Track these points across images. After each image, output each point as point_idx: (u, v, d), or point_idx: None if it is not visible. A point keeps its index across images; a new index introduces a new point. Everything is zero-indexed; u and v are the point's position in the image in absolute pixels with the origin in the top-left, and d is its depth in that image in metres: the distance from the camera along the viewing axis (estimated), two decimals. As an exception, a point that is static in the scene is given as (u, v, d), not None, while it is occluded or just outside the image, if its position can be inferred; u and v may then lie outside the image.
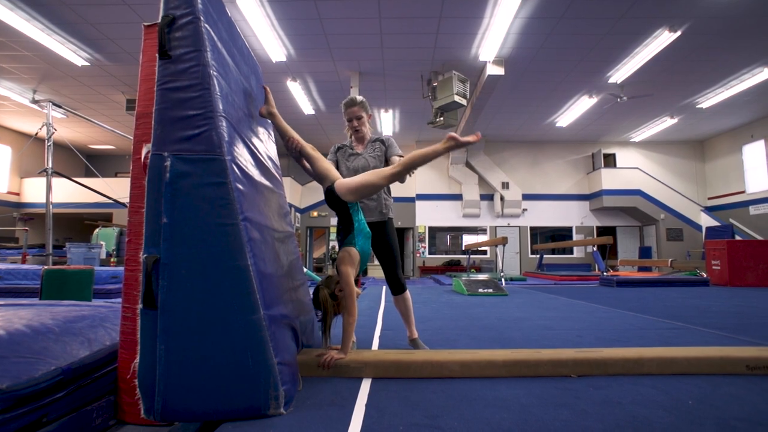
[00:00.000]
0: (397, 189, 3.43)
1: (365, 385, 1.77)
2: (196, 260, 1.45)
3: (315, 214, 15.25)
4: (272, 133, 2.51)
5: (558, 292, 7.06)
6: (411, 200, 14.87)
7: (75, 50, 8.23)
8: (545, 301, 5.59)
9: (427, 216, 14.98)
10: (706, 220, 13.65)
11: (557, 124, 13.04)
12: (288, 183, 12.74)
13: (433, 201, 14.98)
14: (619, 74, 9.36)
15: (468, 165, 14.72)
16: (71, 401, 1.45)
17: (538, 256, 13.68)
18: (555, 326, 3.47)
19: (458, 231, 15.37)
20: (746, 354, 2.01)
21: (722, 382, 1.80)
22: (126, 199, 1.86)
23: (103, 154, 16.09)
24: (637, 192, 13.99)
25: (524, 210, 14.81)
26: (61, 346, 1.49)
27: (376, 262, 4.24)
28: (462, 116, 11.39)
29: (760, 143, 12.58)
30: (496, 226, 14.88)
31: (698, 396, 1.64)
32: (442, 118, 9.32)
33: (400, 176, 2.05)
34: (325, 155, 2.51)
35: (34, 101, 10.59)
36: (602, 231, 14.91)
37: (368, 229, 2.17)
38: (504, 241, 8.88)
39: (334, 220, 14.47)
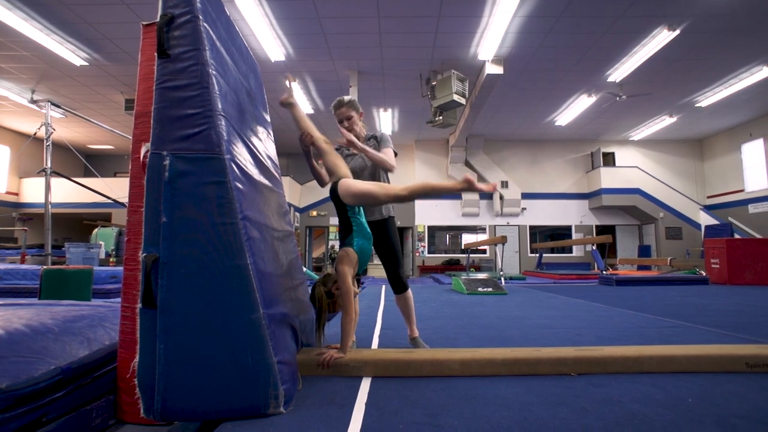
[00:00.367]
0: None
1: (365, 384, 1.77)
2: (196, 259, 1.45)
3: (314, 213, 15.24)
4: (271, 132, 2.50)
5: (557, 290, 7.06)
6: (410, 199, 14.86)
7: (73, 50, 8.22)
8: (545, 299, 5.60)
9: (427, 215, 14.98)
10: (705, 219, 13.67)
11: (556, 123, 13.04)
12: (287, 182, 12.72)
13: (432, 200, 14.99)
14: (618, 73, 9.37)
15: (467, 164, 14.71)
16: (71, 401, 1.44)
17: (537, 255, 13.70)
18: (554, 325, 3.48)
19: (457, 230, 15.39)
20: (746, 352, 2.01)
21: (722, 380, 1.80)
22: (125, 199, 1.86)
23: (102, 154, 16.07)
24: (636, 191, 13.99)
25: (523, 209, 14.81)
26: (60, 346, 1.49)
27: (377, 261, 4.24)
28: (461, 115, 11.40)
29: (759, 142, 12.58)
30: (495, 225, 14.88)
31: (698, 394, 1.64)
32: (441, 117, 9.33)
33: (404, 200, 2.02)
34: None
35: (33, 101, 10.57)
36: (601, 230, 14.92)
37: (369, 230, 2.16)
38: (503, 240, 8.89)
39: (333, 220, 14.49)
